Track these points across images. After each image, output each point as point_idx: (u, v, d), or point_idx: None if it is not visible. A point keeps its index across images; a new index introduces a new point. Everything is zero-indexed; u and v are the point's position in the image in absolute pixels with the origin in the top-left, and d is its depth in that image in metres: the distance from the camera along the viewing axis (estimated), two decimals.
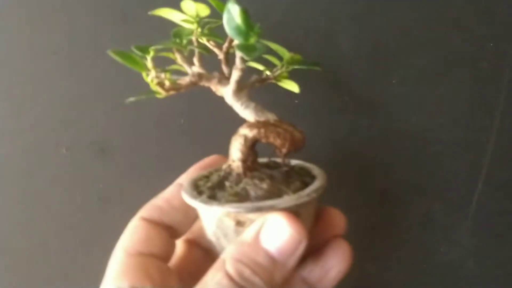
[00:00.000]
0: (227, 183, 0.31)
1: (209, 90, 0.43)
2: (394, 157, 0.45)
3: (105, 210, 0.45)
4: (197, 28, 0.31)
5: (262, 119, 0.31)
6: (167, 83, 0.30)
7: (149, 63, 0.29)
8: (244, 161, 0.31)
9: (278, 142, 0.30)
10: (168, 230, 0.33)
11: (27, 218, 0.45)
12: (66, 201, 0.44)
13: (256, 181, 0.30)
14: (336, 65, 0.43)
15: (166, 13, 0.32)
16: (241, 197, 0.29)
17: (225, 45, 0.32)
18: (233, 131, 0.43)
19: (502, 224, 0.46)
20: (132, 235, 0.31)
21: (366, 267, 0.46)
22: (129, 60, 0.28)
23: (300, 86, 0.35)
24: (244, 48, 0.26)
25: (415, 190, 0.45)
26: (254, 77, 0.34)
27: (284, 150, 0.30)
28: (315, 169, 0.33)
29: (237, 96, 0.32)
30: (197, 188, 0.31)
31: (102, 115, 0.43)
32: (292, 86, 0.35)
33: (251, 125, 0.31)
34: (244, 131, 0.31)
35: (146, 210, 0.33)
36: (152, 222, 0.32)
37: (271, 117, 0.32)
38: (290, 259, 0.26)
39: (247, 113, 0.32)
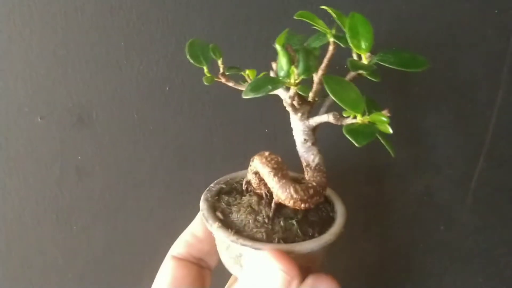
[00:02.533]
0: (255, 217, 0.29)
1: None
2: (393, 132, 0.43)
3: (84, 183, 0.42)
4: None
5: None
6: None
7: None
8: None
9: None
10: (198, 263, 0.34)
11: (0, 193, 0.42)
12: (42, 174, 0.41)
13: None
14: None
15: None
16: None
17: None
18: (219, 101, 0.41)
19: (504, 201, 0.44)
20: (165, 276, 0.33)
21: (362, 245, 0.45)
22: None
23: None
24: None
25: (414, 166, 0.43)
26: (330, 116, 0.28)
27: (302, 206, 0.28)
28: (337, 205, 0.32)
29: (311, 130, 0.30)
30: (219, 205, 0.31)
31: (80, 80, 0.40)
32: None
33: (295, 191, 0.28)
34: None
35: (175, 247, 0.35)
36: (182, 259, 0.34)
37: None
38: None
39: (303, 147, 0.30)
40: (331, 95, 0.24)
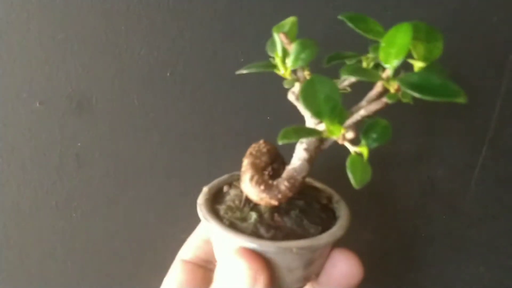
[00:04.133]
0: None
1: (197, 42, 0.40)
2: (395, 120, 0.42)
3: (83, 170, 0.41)
4: None
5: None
6: None
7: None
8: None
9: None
10: (205, 265, 0.34)
11: None
12: (40, 161, 0.41)
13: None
14: None
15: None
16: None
17: None
18: (221, 87, 0.40)
19: (507, 191, 0.44)
20: (172, 280, 0.34)
21: (364, 236, 0.44)
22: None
23: None
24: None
25: (417, 156, 0.43)
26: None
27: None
28: (341, 207, 0.31)
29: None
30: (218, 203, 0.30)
31: (79, 65, 0.39)
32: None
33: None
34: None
35: (183, 250, 0.35)
36: (190, 263, 0.34)
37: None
38: None
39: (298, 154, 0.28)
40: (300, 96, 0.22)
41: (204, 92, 0.40)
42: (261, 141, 0.30)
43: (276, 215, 0.28)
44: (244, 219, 0.28)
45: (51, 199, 0.42)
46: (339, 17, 0.26)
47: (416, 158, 0.43)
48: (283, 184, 0.26)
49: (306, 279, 0.29)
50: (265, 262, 0.26)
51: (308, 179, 0.32)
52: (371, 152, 0.43)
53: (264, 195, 0.26)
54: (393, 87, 0.22)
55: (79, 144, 0.41)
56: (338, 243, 0.30)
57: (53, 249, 0.43)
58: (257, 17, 0.39)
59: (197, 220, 0.44)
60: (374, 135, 0.24)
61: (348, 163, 0.24)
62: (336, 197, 0.32)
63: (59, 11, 0.38)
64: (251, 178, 0.27)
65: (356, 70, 0.23)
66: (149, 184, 0.42)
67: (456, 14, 0.40)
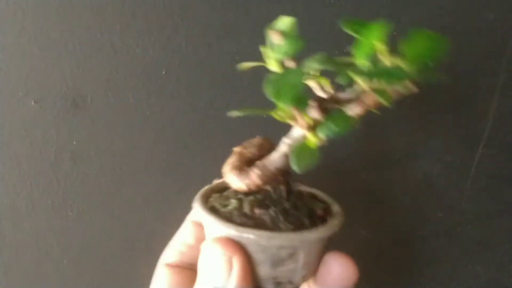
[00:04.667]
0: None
1: (192, 40, 0.40)
2: (391, 117, 0.42)
3: (79, 169, 0.41)
4: None
5: None
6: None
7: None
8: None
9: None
10: (191, 268, 0.33)
11: None
12: (36, 159, 0.41)
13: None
14: None
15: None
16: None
17: None
18: (217, 85, 0.40)
19: (503, 188, 0.44)
20: (161, 284, 0.33)
21: (359, 233, 0.44)
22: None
23: None
24: None
25: (413, 153, 0.43)
26: None
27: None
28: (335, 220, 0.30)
29: None
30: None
31: (74, 63, 0.39)
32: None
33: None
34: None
35: (167, 255, 0.34)
36: (174, 267, 0.33)
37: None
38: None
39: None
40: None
41: (199, 90, 0.40)
42: (257, 136, 0.31)
43: (256, 207, 0.28)
44: (225, 205, 0.29)
45: (47, 198, 0.41)
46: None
47: (412, 155, 0.43)
48: (254, 171, 0.28)
49: (278, 284, 0.28)
50: (240, 247, 0.26)
51: (319, 193, 0.33)
52: (367, 151, 0.43)
53: (235, 179, 0.28)
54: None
55: (74, 142, 0.41)
56: (333, 244, 0.30)
57: (49, 248, 0.43)
58: (252, 15, 0.38)
59: None
60: (332, 125, 0.25)
61: (295, 147, 0.26)
62: (335, 211, 0.31)
63: (54, 10, 0.38)
64: (229, 163, 0.29)
65: (325, 60, 0.25)
66: (145, 183, 0.42)
67: (453, 11, 0.40)
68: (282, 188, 0.30)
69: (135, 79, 0.39)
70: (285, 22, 0.29)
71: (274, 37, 0.27)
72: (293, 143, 0.28)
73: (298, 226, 0.28)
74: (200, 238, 0.32)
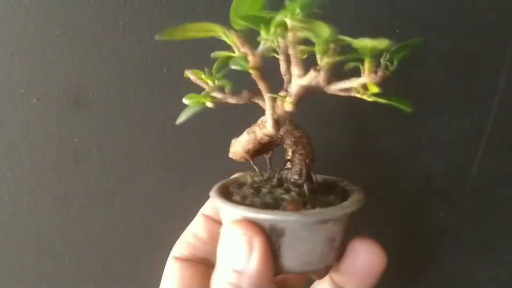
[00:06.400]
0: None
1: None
2: (392, 116, 0.42)
3: (80, 166, 0.41)
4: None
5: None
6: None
7: None
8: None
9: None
10: (203, 263, 0.33)
11: None
12: (38, 156, 0.41)
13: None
14: None
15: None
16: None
17: None
18: None
19: (504, 186, 0.44)
20: (169, 278, 0.32)
21: (360, 231, 0.44)
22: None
23: None
24: None
25: (414, 151, 0.43)
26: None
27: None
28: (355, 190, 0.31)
29: None
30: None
31: (76, 60, 0.39)
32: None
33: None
34: None
35: (177, 249, 0.33)
36: (186, 260, 0.32)
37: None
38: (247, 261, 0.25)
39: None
40: None
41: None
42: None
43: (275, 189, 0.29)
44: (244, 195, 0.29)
45: (48, 195, 0.42)
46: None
47: (414, 153, 0.43)
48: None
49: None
50: (260, 228, 0.25)
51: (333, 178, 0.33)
52: (368, 149, 0.43)
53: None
54: None
55: (76, 139, 0.41)
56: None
57: (50, 244, 0.43)
58: None
59: (194, 214, 0.44)
60: None
61: None
62: (353, 189, 0.31)
63: (56, 7, 0.38)
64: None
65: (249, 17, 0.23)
66: (146, 179, 0.42)
67: (455, 10, 0.40)
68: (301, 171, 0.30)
69: (137, 76, 0.39)
70: None
71: None
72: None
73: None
74: (211, 232, 0.32)
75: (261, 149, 0.31)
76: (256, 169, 0.32)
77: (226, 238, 0.26)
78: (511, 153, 0.43)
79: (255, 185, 0.30)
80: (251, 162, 0.31)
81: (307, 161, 0.29)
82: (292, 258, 0.26)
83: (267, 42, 0.24)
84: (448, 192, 0.44)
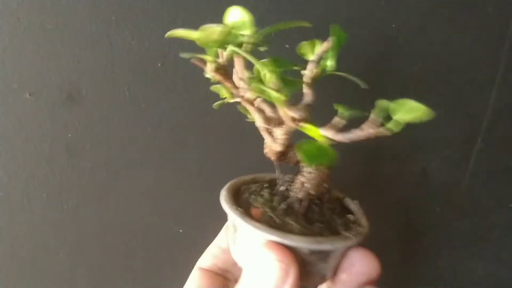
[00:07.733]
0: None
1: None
2: None
3: (74, 162, 0.41)
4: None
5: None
6: None
7: None
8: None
9: None
10: (225, 274, 0.35)
11: None
12: (31, 152, 0.40)
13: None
14: None
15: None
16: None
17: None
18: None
19: (501, 182, 0.43)
20: (191, 286, 0.34)
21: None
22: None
23: None
24: None
25: (411, 147, 0.43)
26: None
27: None
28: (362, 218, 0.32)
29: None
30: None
31: (69, 55, 0.39)
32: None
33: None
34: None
35: (202, 259, 0.36)
36: (208, 270, 0.34)
37: None
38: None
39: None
40: None
41: (195, 82, 0.40)
42: None
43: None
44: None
45: (42, 191, 0.41)
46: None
47: (411, 150, 0.43)
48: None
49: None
50: (295, 257, 0.26)
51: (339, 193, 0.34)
52: (365, 145, 0.43)
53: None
54: None
55: (69, 135, 0.40)
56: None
57: (45, 241, 0.43)
58: (249, 6, 0.38)
59: (189, 210, 0.44)
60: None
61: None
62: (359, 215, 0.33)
63: (49, 1, 0.37)
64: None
65: None
66: (141, 176, 0.42)
67: (451, 5, 0.39)
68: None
69: (131, 71, 0.39)
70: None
71: None
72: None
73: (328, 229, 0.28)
74: None
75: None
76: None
77: (259, 259, 0.26)
78: (508, 149, 0.43)
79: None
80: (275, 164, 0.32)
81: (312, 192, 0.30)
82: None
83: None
84: (445, 188, 0.44)
